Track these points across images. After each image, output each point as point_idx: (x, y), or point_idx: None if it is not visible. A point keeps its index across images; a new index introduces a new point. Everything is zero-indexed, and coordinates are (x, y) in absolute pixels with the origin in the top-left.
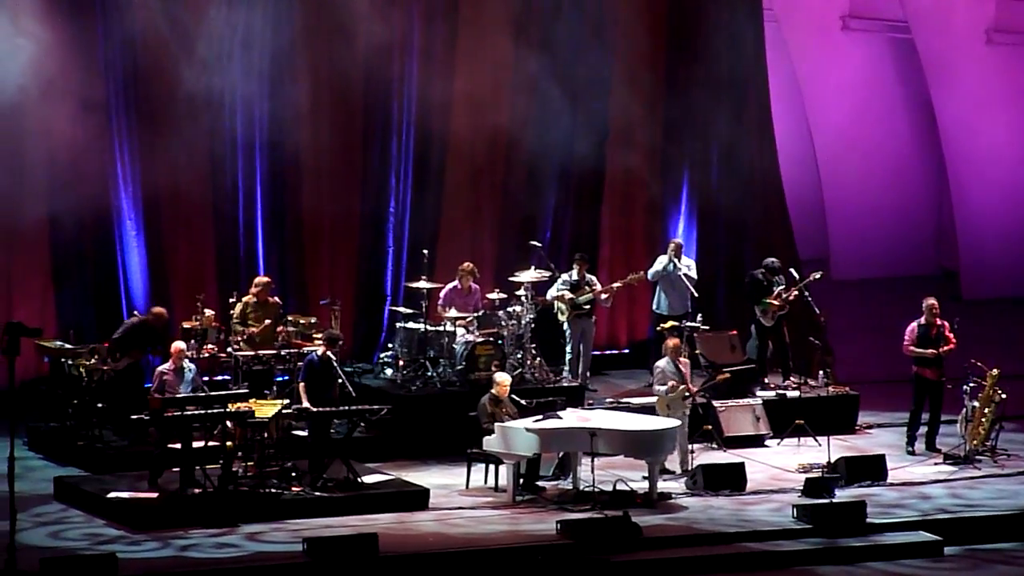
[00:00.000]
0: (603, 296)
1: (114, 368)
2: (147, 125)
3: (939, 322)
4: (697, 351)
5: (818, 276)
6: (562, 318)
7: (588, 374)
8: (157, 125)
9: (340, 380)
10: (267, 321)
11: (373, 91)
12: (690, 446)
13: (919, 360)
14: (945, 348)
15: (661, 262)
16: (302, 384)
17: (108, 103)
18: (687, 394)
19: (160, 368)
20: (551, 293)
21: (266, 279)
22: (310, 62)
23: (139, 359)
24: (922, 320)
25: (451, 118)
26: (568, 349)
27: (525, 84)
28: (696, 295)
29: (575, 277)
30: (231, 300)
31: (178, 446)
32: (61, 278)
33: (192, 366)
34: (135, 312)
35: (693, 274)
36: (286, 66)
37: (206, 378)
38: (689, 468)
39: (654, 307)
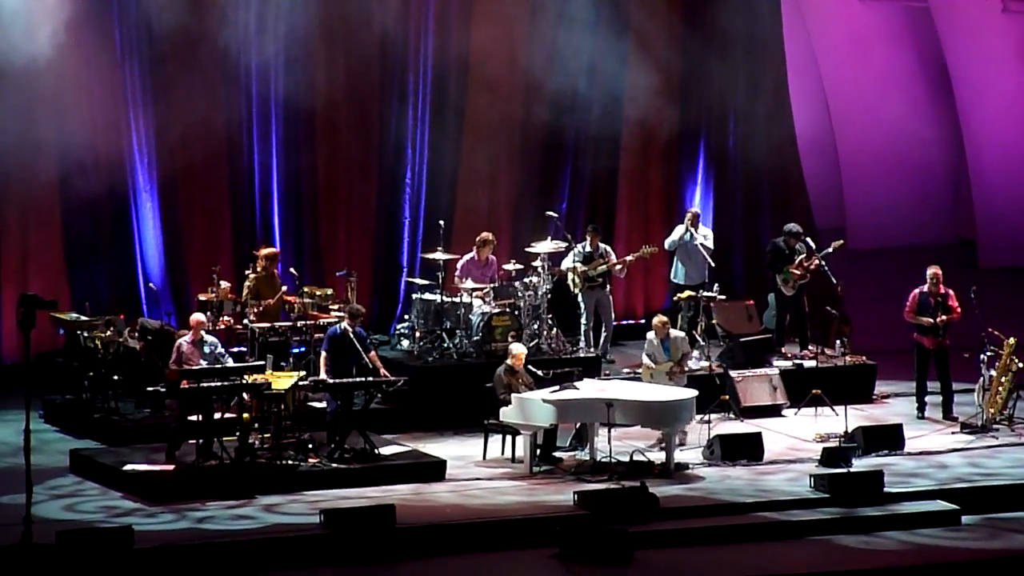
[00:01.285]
0: (617, 267)
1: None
2: (162, 95)
3: (942, 291)
4: (714, 321)
5: (839, 245)
6: (575, 289)
7: (609, 346)
8: (172, 95)
9: (359, 353)
10: (284, 288)
11: (389, 59)
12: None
13: (918, 327)
14: (945, 317)
15: (678, 232)
16: (324, 355)
17: (123, 72)
18: (667, 371)
19: (180, 340)
20: (565, 264)
21: (273, 250)
22: (324, 27)
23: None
24: (924, 288)
25: (467, 89)
26: (583, 320)
27: (540, 54)
28: (713, 265)
29: (588, 248)
30: (247, 272)
31: (196, 418)
32: (77, 250)
33: (212, 339)
34: (150, 283)
35: (710, 244)
36: (301, 34)
37: (222, 350)
38: (684, 443)
39: (671, 277)
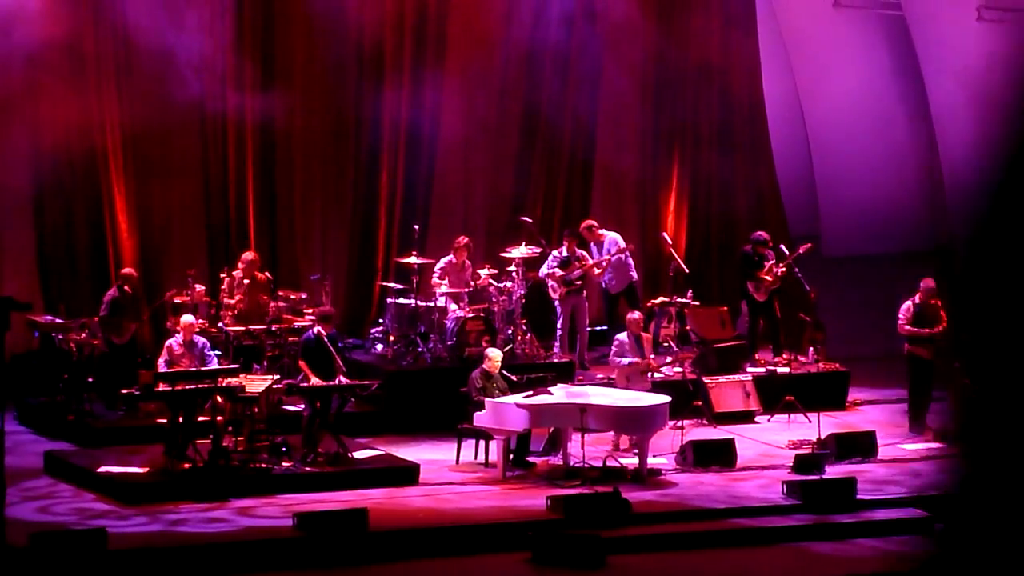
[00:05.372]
0: (596, 271)
1: (121, 342)
2: (137, 96)
3: (933, 302)
4: (687, 327)
5: (807, 248)
6: (554, 296)
7: (586, 354)
8: (146, 98)
9: (333, 357)
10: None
11: (365, 62)
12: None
13: (913, 339)
14: (939, 327)
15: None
16: (302, 362)
17: (96, 72)
18: (647, 369)
19: (169, 341)
20: (543, 271)
21: (252, 255)
22: (301, 28)
23: (135, 329)
24: (917, 299)
25: (442, 97)
26: (559, 325)
27: (515, 66)
28: (687, 271)
29: (565, 253)
30: (221, 275)
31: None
32: (51, 254)
33: (202, 339)
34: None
35: (616, 247)
36: (278, 38)
37: (209, 352)
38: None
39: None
